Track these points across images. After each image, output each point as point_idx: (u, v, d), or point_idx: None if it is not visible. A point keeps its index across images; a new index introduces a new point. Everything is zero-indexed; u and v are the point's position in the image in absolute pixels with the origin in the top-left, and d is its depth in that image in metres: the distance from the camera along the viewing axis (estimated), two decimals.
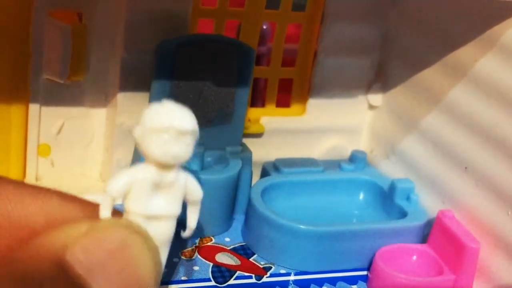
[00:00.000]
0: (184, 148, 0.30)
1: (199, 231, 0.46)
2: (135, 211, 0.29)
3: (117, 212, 0.29)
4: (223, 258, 0.45)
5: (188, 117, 0.30)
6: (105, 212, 0.29)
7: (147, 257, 0.26)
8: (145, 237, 0.26)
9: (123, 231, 0.26)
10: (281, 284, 0.43)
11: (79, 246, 0.24)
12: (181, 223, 0.31)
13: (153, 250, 0.26)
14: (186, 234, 0.32)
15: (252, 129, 0.52)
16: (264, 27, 0.56)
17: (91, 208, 0.28)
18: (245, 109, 0.49)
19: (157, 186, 0.30)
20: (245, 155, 0.49)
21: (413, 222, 0.47)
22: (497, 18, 0.43)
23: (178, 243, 0.45)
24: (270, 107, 0.54)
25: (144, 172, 0.30)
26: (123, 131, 0.48)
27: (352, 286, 0.44)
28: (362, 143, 0.56)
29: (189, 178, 0.31)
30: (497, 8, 0.42)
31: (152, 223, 0.29)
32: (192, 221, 0.32)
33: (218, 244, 0.46)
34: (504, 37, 0.42)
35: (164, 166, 0.29)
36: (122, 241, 0.25)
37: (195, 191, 0.31)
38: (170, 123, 0.30)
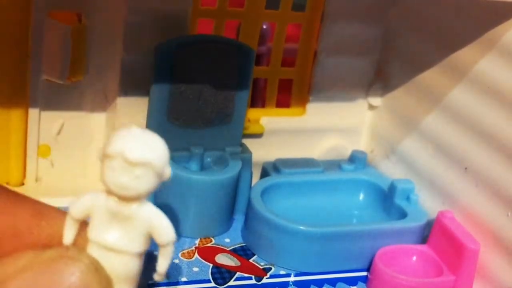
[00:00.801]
0: (134, 181, 0.27)
1: (199, 231, 0.47)
2: (91, 238, 0.27)
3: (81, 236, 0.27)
4: (223, 259, 0.45)
5: (144, 148, 0.27)
6: (67, 236, 0.27)
7: None
8: (96, 272, 0.24)
9: (82, 269, 0.24)
10: (281, 285, 0.43)
11: (12, 286, 0.22)
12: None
13: (106, 285, 0.24)
14: (156, 278, 0.29)
15: (252, 129, 0.52)
16: (264, 26, 0.56)
17: (42, 210, 0.26)
18: (244, 109, 0.49)
19: (114, 217, 0.27)
20: (245, 156, 0.49)
21: (413, 223, 0.47)
22: (498, 19, 0.43)
23: (177, 244, 0.45)
24: (270, 107, 0.54)
25: (101, 199, 0.27)
26: None
27: (352, 287, 0.44)
28: (362, 143, 0.56)
29: (156, 216, 0.27)
30: (497, 9, 0.42)
31: (109, 255, 0.27)
32: (160, 265, 0.28)
33: (218, 245, 0.46)
34: (504, 38, 0.42)
35: (120, 197, 0.27)
36: (80, 282, 0.23)
37: (163, 233, 0.28)
38: (118, 151, 0.27)
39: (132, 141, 0.27)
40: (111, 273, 0.26)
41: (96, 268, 0.24)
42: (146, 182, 0.27)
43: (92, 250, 0.27)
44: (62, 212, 0.26)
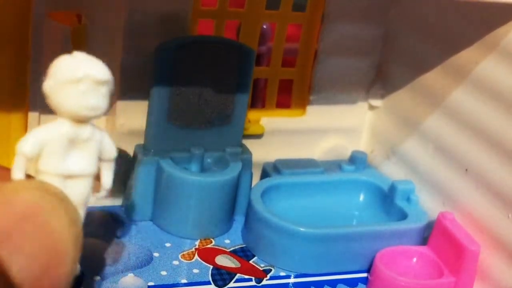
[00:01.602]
0: (102, 99, 0.29)
1: (199, 233, 0.47)
2: (49, 170, 0.28)
3: (30, 175, 0.27)
4: (223, 261, 0.45)
5: (103, 66, 0.29)
6: (17, 174, 0.28)
7: (63, 219, 0.24)
8: (61, 198, 0.24)
9: (34, 193, 0.24)
10: (281, 287, 0.43)
11: None
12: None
13: (71, 211, 0.24)
14: (100, 194, 0.30)
15: (252, 130, 0.52)
16: (264, 26, 0.56)
17: (4, 173, 0.26)
18: (245, 110, 0.49)
19: (72, 143, 0.28)
20: (245, 156, 0.49)
21: (413, 224, 0.47)
22: (498, 20, 0.43)
23: (177, 245, 0.45)
24: (270, 108, 0.54)
25: (59, 129, 0.28)
26: (122, 133, 0.47)
27: None
28: (362, 144, 0.56)
29: (105, 135, 0.30)
30: (498, 10, 0.42)
31: (68, 183, 0.28)
32: (107, 180, 0.30)
33: (218, 246, 0.46)
34: (505, 39, 0.42)
35: (80, 121, 0.28)
36: (33, 204, 0.23)
37: (111, 149, 0.30)
38: (86, 73, 0.28)
39: (93, 63, 0.29)
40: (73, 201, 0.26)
41: (63, 197, 0.24)
42: (107, 100, 0.29)
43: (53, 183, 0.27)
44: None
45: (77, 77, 0.28)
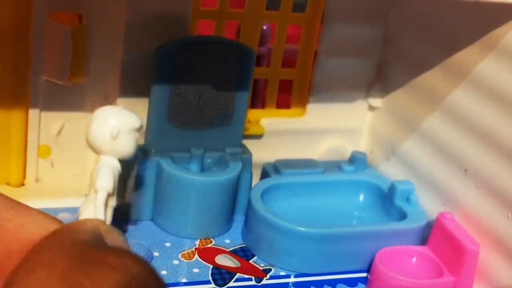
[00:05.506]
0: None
1: (199, 232, 0.47)
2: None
3: None
4: (223, 260, 0.45)
5: None
6: (103, 217, 0.35)
7: None
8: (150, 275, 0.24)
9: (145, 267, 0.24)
10: (281, 286, 0.43)
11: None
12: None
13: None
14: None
15: (252, 130, 0.52)
16: (264, 27, 0.56)
17: (57, 221, 0.27)
18: (245, 110, 0.49)
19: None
20: (245, 157, 0.49)
21: (413, 224, 0.47)
22: (498, 20, 0.43)
23: (177, 245, 0.45)
24: (270, 108, 0.54)
25: (117, 164, 0.38)
26: None
27: None
28: (362, 144, 0.56)
29: None
30: (497, 10, 0.42)
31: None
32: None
33: (218, 246, 0.46)
34: (505, 40, 0.42)
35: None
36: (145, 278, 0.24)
37: None
38: (140, 123, 0.38)
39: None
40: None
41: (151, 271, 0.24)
42: None
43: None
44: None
45: (138, 127, 0.38)
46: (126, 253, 0.24)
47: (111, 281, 0.22)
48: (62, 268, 0.22)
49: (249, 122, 0.52)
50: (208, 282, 0.42)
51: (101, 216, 0.35)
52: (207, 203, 0.46)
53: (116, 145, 0.37)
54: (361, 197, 0.52)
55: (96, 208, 0.35)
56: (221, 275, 0.43)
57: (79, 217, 0.36)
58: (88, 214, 0.35)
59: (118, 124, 0.37)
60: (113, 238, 0.26)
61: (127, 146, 0.38)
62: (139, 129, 0.38)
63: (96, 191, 0.36)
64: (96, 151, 0.38)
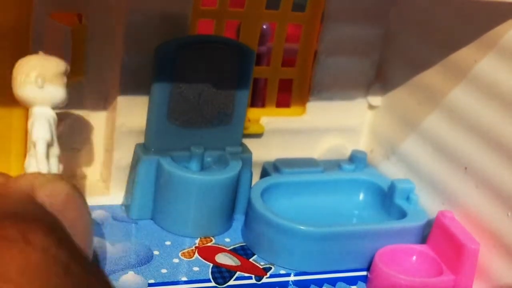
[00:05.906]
0: None
1: (199, 231, 0.47)
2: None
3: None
4: (223, 259, 0.45)
5: None
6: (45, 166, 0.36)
7: (87, 206, 0.28)
8: (79, 191, 0.28)
9: (67, 184, 0.28)
10: (281, 285, 0.43)
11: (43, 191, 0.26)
12: None
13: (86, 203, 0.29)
14: None
15: (252, 129, 0.52)
16: (264, 26, 0.56)
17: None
18: (244, 109, 0.49)
19: None
20: (245, 156, 0.49)
21: (413, 223, 0.47)
22: (497, 19, 0.43)
23: (178, 244, 0.45)
24: (270, 107, 0.54)
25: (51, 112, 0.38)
26: (123, 132, 0.48)
27: (352, 286, 0.45)
28: (362, 143, 0.56)
29: None
30: (497, 9, 0.42)
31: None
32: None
33: (218, 244, 0.46)
34: (504, 38, 0.42)
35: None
36: (71, 191, 0.27)
37: None
38: (64, 65, 0.38)
39: None
40: None
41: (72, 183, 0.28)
42: None
43: None
44: None
45: (66, 70, 0.38)
46: (30, 219, 0.23)
47: (9, 259, 0.21)
48: None
49: (249, 121, 0.52)
50: (208, 281, 0.42)
51: (43, 168, 0.35)
52: (207, 202, 0.46)
53: (45, 93, 0.37)
54: (361, 196, 0.52)
55: (38, 161, 0.35)
56: (221, 273, 0.43)
57: None
58: (33, 169, 0.36)
59: (41, 72, 0.37)
60: (48, 190, 0.26)
61: (56, 92, 0.37)
62: (65, 72, 0.38)
63: (34, 145, 0.36)
64: (28, 104, 0.38)
